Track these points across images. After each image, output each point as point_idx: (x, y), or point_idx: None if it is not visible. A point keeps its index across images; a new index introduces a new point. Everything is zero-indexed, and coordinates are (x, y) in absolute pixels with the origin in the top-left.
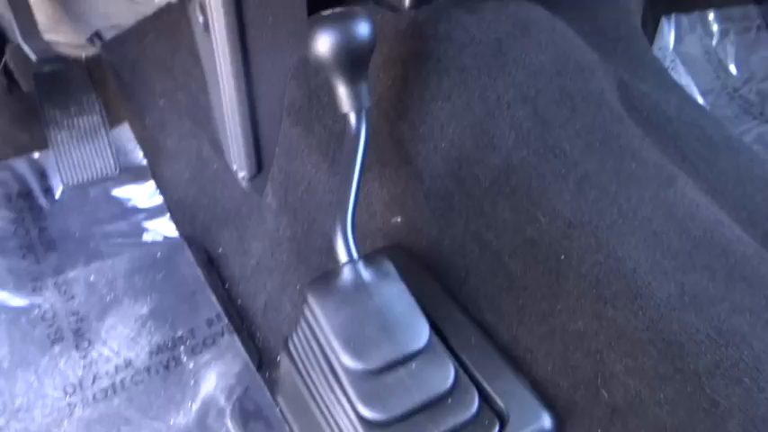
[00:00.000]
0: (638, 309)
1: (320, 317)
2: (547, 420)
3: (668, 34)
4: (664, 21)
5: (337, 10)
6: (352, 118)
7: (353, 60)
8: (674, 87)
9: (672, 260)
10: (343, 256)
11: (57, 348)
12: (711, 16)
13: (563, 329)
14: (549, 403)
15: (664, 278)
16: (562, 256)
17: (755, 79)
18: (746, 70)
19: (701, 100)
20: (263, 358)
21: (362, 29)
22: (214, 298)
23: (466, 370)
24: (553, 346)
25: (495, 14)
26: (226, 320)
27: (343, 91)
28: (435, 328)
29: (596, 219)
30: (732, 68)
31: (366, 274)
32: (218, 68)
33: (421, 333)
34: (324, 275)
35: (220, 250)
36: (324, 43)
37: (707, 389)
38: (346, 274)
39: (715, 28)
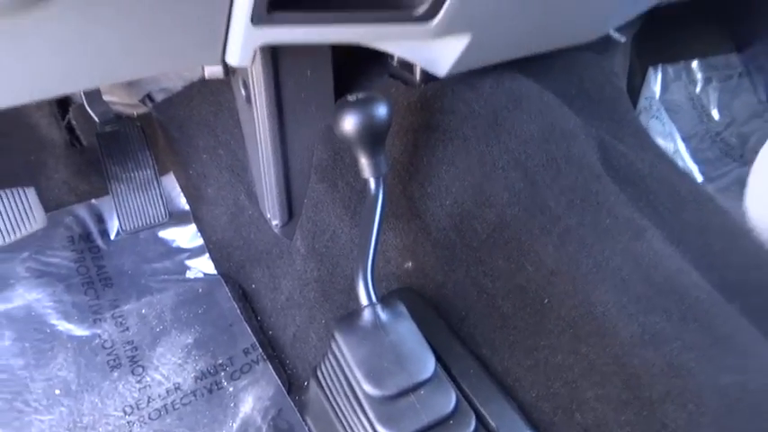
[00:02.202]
0: (606, 345)
1: (345, 351)
2: None
3: (654, 83)
4: (651, 70)
5: (360, 95)
6: (372, 183)
7: (373, 137)
8: (650, 146)
9: (636, 304)
10: (364, 299)
11: (115, 374)
12: (695, 65)
13: (546, 362)
14: (534, 425)
15: (628, 320)
16: (545, 300)
17: (737, 123)
18: (728, 115)
19: (683, 145)
20: (291, 383)
21: (381, 112)
22: (249, 329)
23: (465, 396)
24: (537, 376)
25: (492, 89)
26: (260, 350)
27: (364, 161)
28: (440, 359)
29: (574, 268)
30: (714, 113)
31: (383, 315)
32: (258, 133)
33: (428, 364)
34: (348, 315)
35: (253, 286)
36: (349, 124)
37: (658, 413)
38: (367, 315)
39: (699, 76)
